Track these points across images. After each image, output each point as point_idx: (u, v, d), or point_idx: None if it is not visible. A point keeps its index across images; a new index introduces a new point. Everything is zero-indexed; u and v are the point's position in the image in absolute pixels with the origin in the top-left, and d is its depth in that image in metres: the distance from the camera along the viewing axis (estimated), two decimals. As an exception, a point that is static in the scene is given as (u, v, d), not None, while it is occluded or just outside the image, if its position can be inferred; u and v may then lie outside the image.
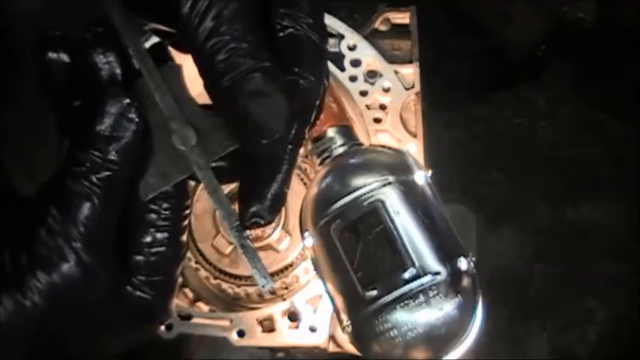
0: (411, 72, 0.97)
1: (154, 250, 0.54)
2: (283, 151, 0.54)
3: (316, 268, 0.71)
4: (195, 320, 0.91)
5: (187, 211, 0.56)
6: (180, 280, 0.62)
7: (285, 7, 0.54)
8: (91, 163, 0.49)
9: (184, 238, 0.56)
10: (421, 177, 0.69)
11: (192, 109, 0.53)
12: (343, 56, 0.96)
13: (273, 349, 1.01)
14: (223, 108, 0.51)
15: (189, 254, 0.95)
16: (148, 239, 0.54)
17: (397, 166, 0.70)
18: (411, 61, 0.97)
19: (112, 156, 0.49)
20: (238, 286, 0.95)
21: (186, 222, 0.56)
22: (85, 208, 0.49)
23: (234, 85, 0.49)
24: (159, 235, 0.54)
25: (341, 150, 0.74)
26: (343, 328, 0.68)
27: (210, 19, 0.49)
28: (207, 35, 0.49)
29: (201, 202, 0.94)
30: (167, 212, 0.54)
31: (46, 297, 0.48)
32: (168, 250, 0.54)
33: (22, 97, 0.87)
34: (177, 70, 0.54)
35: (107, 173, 0.49)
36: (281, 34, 0.54)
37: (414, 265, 0.64)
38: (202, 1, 0.49)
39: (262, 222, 0.54)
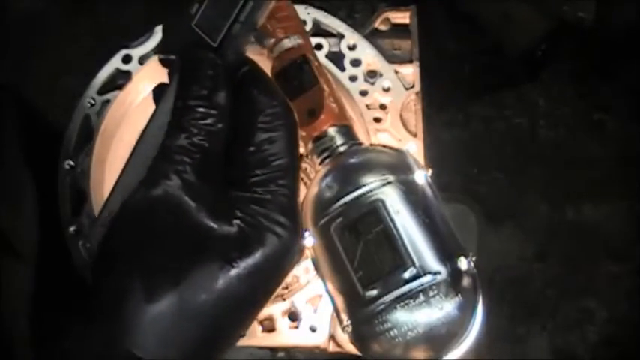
0: (411, 72, 0.96)
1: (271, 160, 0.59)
2: None
3: (316, 267, 0.71)
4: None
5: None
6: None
7: None
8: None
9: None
10: (421, 177, 0.69)
11: None
12: (343, 56, 0.96)
13: (273, 349, 1.01)
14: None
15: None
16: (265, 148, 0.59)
17: (397, 166, 0.70)
18: (411, 61, 0.97)
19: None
20: (238, 286, 0.95)
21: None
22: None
23: None
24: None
25: (341, 149, 0.74)
26: (343, 328, 0.68)
27: None
28: None
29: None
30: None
31: None
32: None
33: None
34: None
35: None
36: None
37: (414, 264, 0.64)
38: None
39: None
